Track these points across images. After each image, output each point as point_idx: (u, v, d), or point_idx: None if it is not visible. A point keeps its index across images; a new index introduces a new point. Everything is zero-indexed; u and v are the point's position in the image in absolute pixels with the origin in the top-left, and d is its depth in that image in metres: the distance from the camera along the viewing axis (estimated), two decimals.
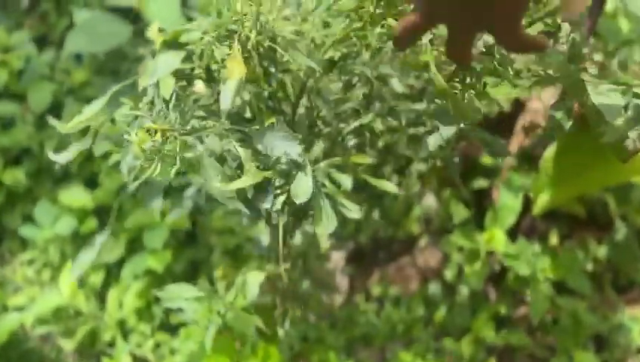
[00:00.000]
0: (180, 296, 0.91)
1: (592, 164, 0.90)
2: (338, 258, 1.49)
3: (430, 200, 1.56)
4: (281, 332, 1.08)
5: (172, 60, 0.72)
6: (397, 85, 0.95)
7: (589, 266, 1.33)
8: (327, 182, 0.82)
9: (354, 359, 1.29)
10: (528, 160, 1.24)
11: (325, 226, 0.74)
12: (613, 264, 1.33)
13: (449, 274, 1.38)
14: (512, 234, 1.29)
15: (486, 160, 1.29)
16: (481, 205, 1.37)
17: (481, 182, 1.35)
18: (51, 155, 0.81)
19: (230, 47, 0.70)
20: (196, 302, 0.93)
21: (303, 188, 0.70)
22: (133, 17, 1.68)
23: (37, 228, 1.45)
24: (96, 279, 1.40)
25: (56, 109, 1.62)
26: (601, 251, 1.33)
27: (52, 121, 0.84)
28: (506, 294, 1.36)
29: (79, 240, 1.47)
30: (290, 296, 1.14)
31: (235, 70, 0.67)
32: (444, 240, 1.34)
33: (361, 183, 0.89)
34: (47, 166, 1.57)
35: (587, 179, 0.95)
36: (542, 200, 1.07)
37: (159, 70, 0.72)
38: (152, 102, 0.74)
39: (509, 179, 1.26)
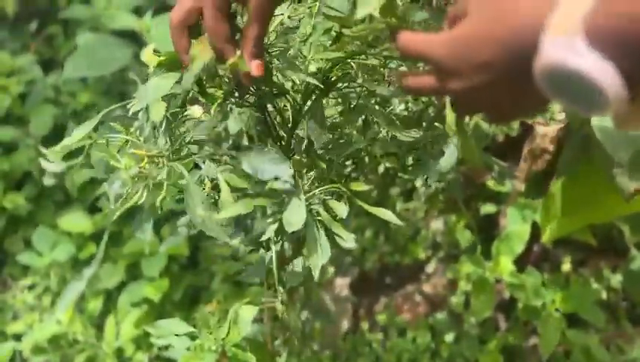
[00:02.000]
0: (171, 331, 0.88)
1: (601, 196, 0.85)
2: (342, 284, 1.45)
3: (438, 224, 1.52)
4: None
5: (164, 83, 0.70)
6: (397, 107, 0.92)
7: (604, 295, 1.27)
8: (321, 211, 0.79)
9: None
10: (537, 186, 1.20)
11: (319, 257, 0.70)
12: (629, 293, 1.27)
13: (455, 302, 1.33)
14: (523, 260, 1.24)
15: (491, 184, 1.25)
16: (489, 231, 1.32)
17: (488, 208, 1.30)
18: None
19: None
20: (188, 337, 0.89)
21: (296, 216, 0.66)
22: (138, 40, 1.67)
23: (36, 254, 1.43)
24: (95, 305, 1.37)
25: (58, 132, 1.61)
26: (616, 279, 1.27)
27: (43, 150, 0.83)
28: (517, 323, 1.30)
29: (80, 265, 1.45)
30: (290, 326, 1.10)
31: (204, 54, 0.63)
32: (450, 267, 1.29)
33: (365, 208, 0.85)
34: (49, 190, 1.56)
35: (597, 211, 0.90)
36: (550, 230, 1.02)
37: (150, 94, 0.69)
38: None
39: (517, 206, 1.21)
